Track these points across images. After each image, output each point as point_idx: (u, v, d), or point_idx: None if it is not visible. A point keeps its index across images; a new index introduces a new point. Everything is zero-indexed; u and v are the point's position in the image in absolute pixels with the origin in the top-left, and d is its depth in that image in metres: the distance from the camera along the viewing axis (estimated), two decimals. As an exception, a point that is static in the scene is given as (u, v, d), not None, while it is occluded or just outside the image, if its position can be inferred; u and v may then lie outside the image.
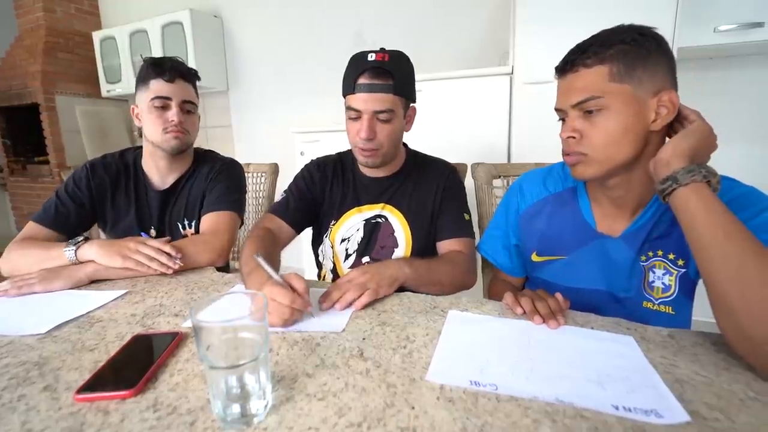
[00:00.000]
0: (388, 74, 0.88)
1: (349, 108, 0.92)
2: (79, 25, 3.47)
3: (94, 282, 0.84)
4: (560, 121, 0.71)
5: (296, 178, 1.08)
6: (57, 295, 0.78)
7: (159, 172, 1.09)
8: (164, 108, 1.02)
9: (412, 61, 0.95)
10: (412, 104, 0.97)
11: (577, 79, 0.65)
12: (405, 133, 1.00)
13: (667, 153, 0.59)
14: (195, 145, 1.17)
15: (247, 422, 0.40)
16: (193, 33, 2.80)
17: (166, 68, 1.01)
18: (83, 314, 0.68)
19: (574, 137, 0.67)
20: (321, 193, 1.05)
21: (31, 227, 0.97)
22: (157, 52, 2.92)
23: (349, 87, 0.90)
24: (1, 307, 0.73)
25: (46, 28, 3.27)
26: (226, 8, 2.99)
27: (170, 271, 0.85)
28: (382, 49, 0.90)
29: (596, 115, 0.65)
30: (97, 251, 0.84)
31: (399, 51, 0.93)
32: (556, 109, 0.71)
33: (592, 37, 0.66)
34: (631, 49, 0.62)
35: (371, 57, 0.88)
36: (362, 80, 0.88)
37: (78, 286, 0.81)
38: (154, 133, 1.03)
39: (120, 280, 0.84)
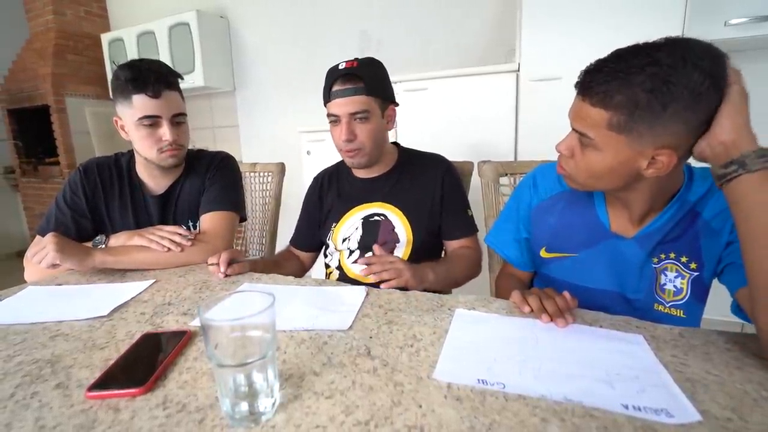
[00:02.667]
0: (358, 78, 0.95)
1: (329, 115, 0.99)
2: (88, 28, 3.51)
3: (118, 272, 0.90)
4: None
5: (303, 201, 1.18)
6: (93, 287, 0.83)
7: (154, 179, 1.07)
8: (154, 125, 0.95)
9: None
10: (391, 105, 1.04)
11: (582, 108, 0.62)
12: (389, 131, 1.06)
13: (730, 133, 0.53)
14: (198, 146, 1.18)
15: (255, 420, 0.41)
16: (199, 34, 2.81)
17: (149, 82, 0.92)
18: (131, 298, 0.75)
19: (565, 154, 0.68)
20: (321, 205, 1.14)
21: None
22: (164, 54, 2.94)
23: (326, 96, 0.99)
24: (48, 298, 0.77)
25: (55, 30, 3.30)
26: (233, 9, 3.00)
27: (178, 249, 0.92)
28: (355, 59, 0.98)
29: (588, 148, 0.64)
30: (123, 237, 0.94)
31: (370, 58, 1.01)
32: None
33: (619, 60, 0.58)
34: (643, 104, 0.55)
35: (342, 65, 0.97)
36: (336, 87, 0.96)
37: (85, 269, 0.88)
38: (146, 151, 0.98)
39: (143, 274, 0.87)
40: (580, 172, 0.66)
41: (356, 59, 0.97)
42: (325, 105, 1.01)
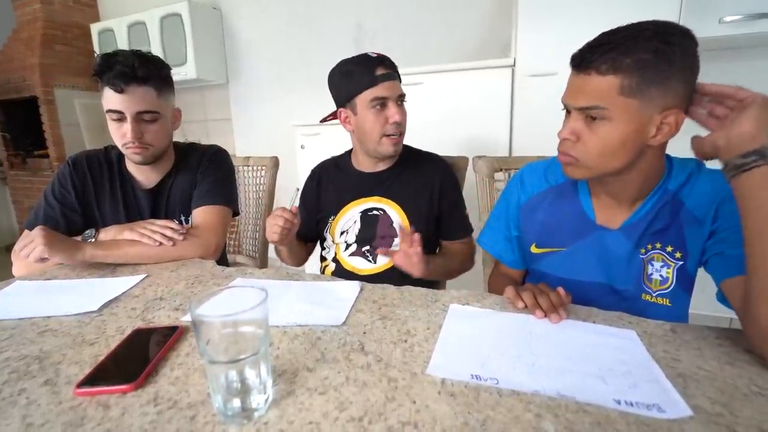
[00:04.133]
0: (394, 65, 0.99)
1: (374, 99, 0.96)
2: (77, 17, 3.43)
3: (108, 266, 0.89)
4: (564, 111, 0.70)
5: (300, 195, 1.15)
6: (83, 282, 0.81)
7: (143, 173, 1.04)
8: (120, 120, 0.93)
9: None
10: None
11: (587, 83, 0.62)
12: None
13: (752, 126, 0.53)
14: (191, 139, 1.16)
15: (247, 416, 0.40)
16: (191, 25, 2.77)
17: (113, 76, 0.89)
18: (122, 293, 0.73)
19: (569, 139, 0.66)
20: (318, 198, 1.13)
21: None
22: (155, 45, 2.90)
23: (368, 81, 0.96)
24: (36, 292, 0.76)
25: (43, 20, 3.23)
26: (226, 0, 2.96)
27: (170, 243, 0.91)
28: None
29: (597, 124, 0.63)
30: (113, 231, 0.93)
31: None
32: (562, 102, 0.69)
33: (615, 34, 0.61)
34: (651, 63, 0.58)
35: (373, 54, 0.97)
36: (381, 71, 0.96)
37: (75, 263, 0.87)
38: (116, 143, 0.97)
39: (134, 269, 0.86)
40: (592, 152, 0.65)
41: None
42: (357, 93, 0.97)
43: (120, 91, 0.90)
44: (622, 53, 0.59)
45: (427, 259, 0.88)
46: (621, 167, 0.65)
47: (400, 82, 1.01)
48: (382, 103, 0.97)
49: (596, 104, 0.62)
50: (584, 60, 0.62)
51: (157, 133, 0.97)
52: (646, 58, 0.58)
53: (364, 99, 0.97)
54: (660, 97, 0.59)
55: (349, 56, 1.00)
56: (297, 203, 0.92)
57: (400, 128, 1.00)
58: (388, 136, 0.99)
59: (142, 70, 0.91)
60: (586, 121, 0.64)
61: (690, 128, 0.62)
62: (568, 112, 0.68)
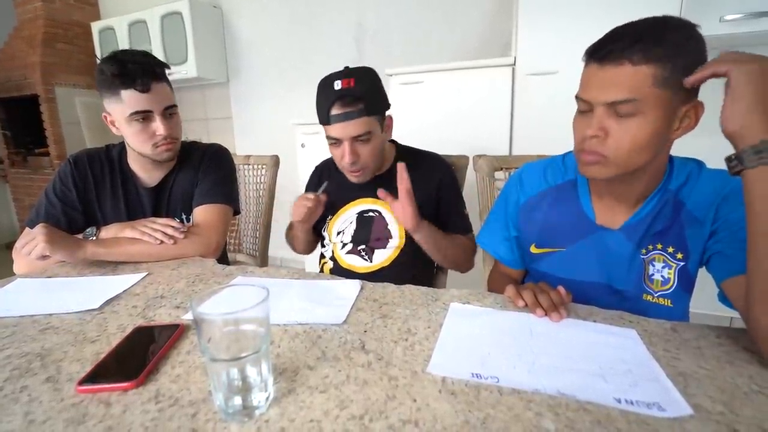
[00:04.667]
0: (357, 100, 0.91)
1: (328, 137, 0.96)
2: (78, 16, 3.43)
3: (109, 264, 0.89)
4: (581, 113, 0.65)
5: (305, 187, 1.18)
6: (84, 280, 0.82)
7: (147, 172, 1.04)
8: (146, 120, 0.93)
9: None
10: (387, 114, 1.01)
11: (618, 75, 0.58)
12: (387, 138, 1.05)
13: (732, 123, 0.51)
14: (191, 138, 1.17)
15: (248, 414, 0.40)
16: (192, 23, 2.76)
17: (137, 76, 0.89)
18: (123, 291, 0.74)
19: (598, 136, 0.62)
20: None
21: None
22: (156, 43, 2.89)
23: (323, 118, 0.94)
24: (38, 290, 0.76)
25: (44, 18, 3.23)
26: (226, -2, 2.96)
27: (171, 241, 0.91)
28: (346, 68, 0.94)
29: (628, 119, 0.59)
30: (114, 229, 0.94)
31: (363, 68, 0.96)
32: (582, 99, 0.64)
33: (642, 25, 0.59)
34: (682, 51, 0.56)
35: (338, 85, 0.90)
36: (335, 111, 0.91)
37: (76, 261, 0.87)
38: (140, 146, 0.96)
39: (135, 267, 0.86)
40: (622, 148, 0.61)
41: (351, 73, 0.92)
42: (321, 123, 0.97)
43: (146, 90, 0.90)
44: (654, 42, 0.56)
45: (426, 223, 0.91)
46: (645, 163, 0.63)
47: (369, 114, 0.92)
48: (336, 141, 0.95)
49: (630, 97, 0.58)
50: (612, 51, 0.58)
51: (179, 126, 1.00)
52: (675, 46, 0.57)
53: (324, 131, 0.97)
54: (686, 88, 0.58)
55: (335, 70, 0.95)
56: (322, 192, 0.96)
57: (356, 166, 0.96)
58: (347, 169, 0.99)
59: (158, 68, 0.93)
60: (614, 117, 0.61)
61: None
62: (584, 111, 0.65)
